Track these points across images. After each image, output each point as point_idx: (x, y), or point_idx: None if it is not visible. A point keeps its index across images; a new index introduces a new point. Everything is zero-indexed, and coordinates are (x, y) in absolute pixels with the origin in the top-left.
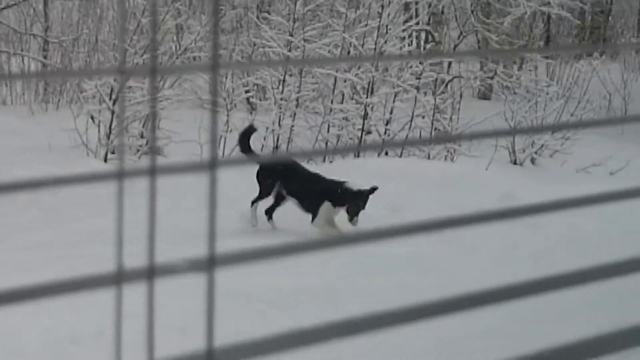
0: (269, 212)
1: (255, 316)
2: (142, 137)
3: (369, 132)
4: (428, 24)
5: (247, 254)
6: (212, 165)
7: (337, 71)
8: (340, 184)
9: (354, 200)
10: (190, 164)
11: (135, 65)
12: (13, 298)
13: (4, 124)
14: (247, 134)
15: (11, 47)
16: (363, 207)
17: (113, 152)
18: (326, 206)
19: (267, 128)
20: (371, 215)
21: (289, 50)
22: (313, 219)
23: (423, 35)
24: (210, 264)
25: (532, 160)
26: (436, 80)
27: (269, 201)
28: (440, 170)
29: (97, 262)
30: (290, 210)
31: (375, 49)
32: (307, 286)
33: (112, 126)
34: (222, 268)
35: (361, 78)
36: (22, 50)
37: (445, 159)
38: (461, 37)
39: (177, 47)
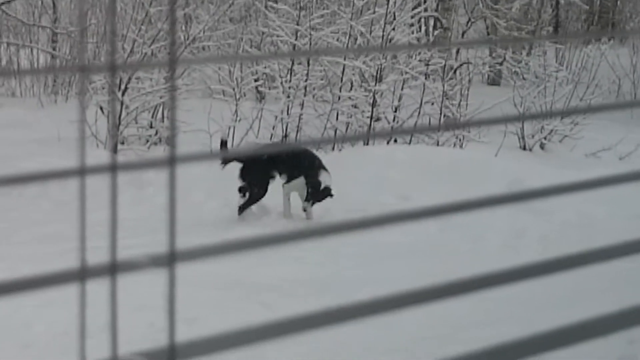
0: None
1: (261, 306)
2: (151, 127)
3: (377, 120)
4: (436, 10)
5: (208, 249)
6: (171, 161)
7: (345, 59)
8: (320, 168)
9: (314, 185)
10: (151, 160)
11: (95, 62)
12: None
13: (13, 116)
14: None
15: (20, 39)
16: (318, 200)
17: (122, 143)
18: (300, 180)
19: (276, 117)
20: (380, 203)
21: (296, 39)
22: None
23: (431, 22)
24: (171, 259)
25: (542, 146)
26: (445, 66)
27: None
28: (450, 157)
29: (106, 255)
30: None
31: (383, 36)
32: (314, 276)
33: (122, 117)
34: (184, 263)
35: (369, 65)
36: (30, 42)
37: (455, 145)
38: (469, 23)
39: (186, 37)
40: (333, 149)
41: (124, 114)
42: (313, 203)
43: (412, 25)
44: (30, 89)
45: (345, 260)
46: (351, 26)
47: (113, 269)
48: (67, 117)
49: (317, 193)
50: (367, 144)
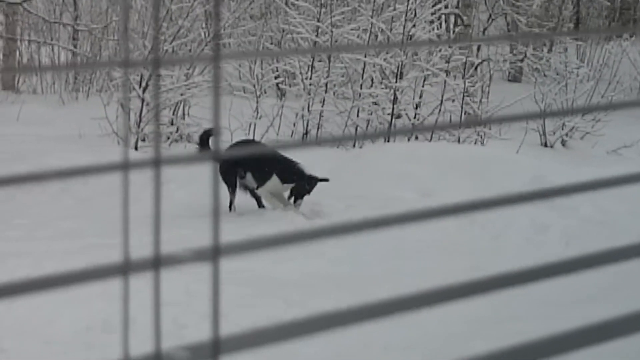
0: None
1: (284, 303)
2: (172, 124)
3: (398, 117)
4: (457, 7)
5: (251, 243)
6: (215, 156)
7: (365, 56)
8: (293, 163)
9: (300, 181)
10: (195, 155)
11: (140, 57)
12: (18, 290)
13: (35, 113)
14: (206, 135)
15: (41, 36)
16: (308, 192)
17: (144, 140)
18: (274, 179)
19: (297, 114)
20: (402, 200)
21: (317, 36)
22: (259, 187)
23: (452, 18)
24: (215, 253)
25: (563, 143)
26: (465, 63)
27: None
28: (471, 154)
29: (140, 251)
30: None
31: (403, 33)
32: (335, 272)
33: (143, 114)
34: (227, 257)
35: (390, 62)
36: (52, 40)
37: (476, 142)
38: (490, 20)
39: (206, 34)
40: (354, 145)
41: (144, 111)
42: (302, 196)
43: (432, 22)
44: (51, 86)
45: (366, 257)
46: (372, 23)
47: (156, 262)
48: (88, 115)
49: (302, 189)
50: (388, 140)
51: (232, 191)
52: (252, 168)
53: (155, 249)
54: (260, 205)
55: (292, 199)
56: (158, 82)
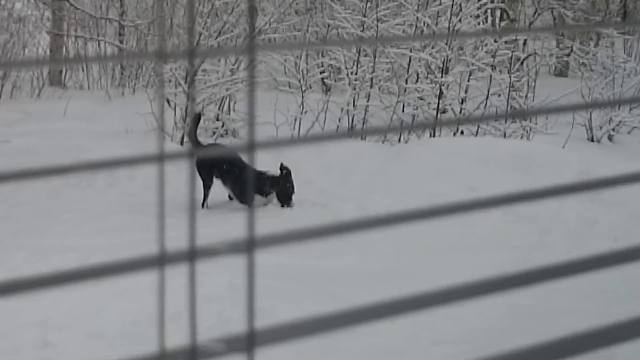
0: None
1: (329, 297)
2: (217, 119)
3: (444, 112)
4: (503, 1)
5: (286, 236)
6: (250, 147)
7: (411, 50)
8: (262, 174)
9: (280, 188)
10: (229, 147)
11: (174, 49)
12: (52, 282)
13: (81, 109)
14: (195, 122)
15: (87, 32)
16: (293, 189)
17: None
18: (257, 200)
19: (342, 109)
20: (447, 195)
21: (362, 31)
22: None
23: (498, 13)
24: (250, 245)
25: (610, 137)
26: (511, 58)
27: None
28: (517, 149)
29: (171, 246)
30: None
31: (449, 27)
32: (380, 267)
33: (188, 109)
34: (262, 250)
35: (436, 57)
36: (98, 36)
37: (522, 137)
38: (536, 14)
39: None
40: (399, 140)
41: (190, 106)
42: (290, 197)
43: (478, 16)
44: (97, 81)
45: (411, 251)
46: (417, 18)
47: (192, 255)
48: (134, 110)
49: (286, 192)
50: (434, 135)
51: (208, 187)
52: (233, 186)
53: (190, 241)
54: (230, 198)
55: (281, 204)
56: (194, 75)
